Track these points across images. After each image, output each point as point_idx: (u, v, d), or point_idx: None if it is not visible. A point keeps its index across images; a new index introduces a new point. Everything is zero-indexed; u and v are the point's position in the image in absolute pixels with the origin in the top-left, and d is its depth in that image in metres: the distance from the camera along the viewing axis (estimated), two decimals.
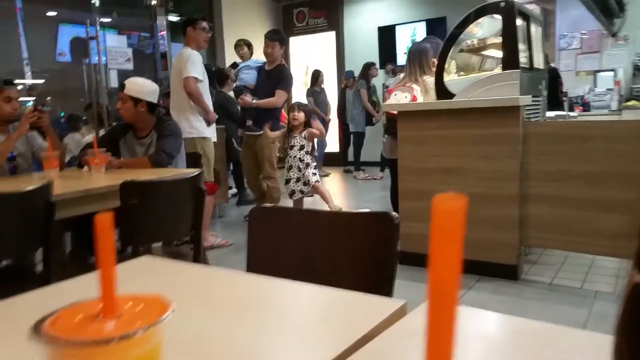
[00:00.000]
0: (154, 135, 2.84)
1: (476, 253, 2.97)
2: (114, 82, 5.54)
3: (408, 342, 0.68)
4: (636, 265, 0.48)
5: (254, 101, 4.38)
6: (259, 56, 5.07)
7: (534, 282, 2.94)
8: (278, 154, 4.48)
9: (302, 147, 4.20)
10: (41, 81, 6.05)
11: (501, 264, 2.95)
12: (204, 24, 4.16)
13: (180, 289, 0.89)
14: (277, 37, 4.49)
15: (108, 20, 6.14)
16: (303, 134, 4.19)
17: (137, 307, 0.43)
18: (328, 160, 7.87)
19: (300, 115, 4.16)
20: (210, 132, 3.94)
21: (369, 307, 0.79)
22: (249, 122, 4.44)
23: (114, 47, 5.95)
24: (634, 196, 2.54)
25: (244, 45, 5.27)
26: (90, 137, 4.65)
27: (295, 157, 4.21)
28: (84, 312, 0.42)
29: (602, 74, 6.86)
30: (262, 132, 4.43)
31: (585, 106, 6.33)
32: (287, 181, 4.27)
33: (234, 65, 5.32)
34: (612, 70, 6.78)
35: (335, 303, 0.83)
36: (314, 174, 4.25)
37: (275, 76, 4.45)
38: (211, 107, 3.94)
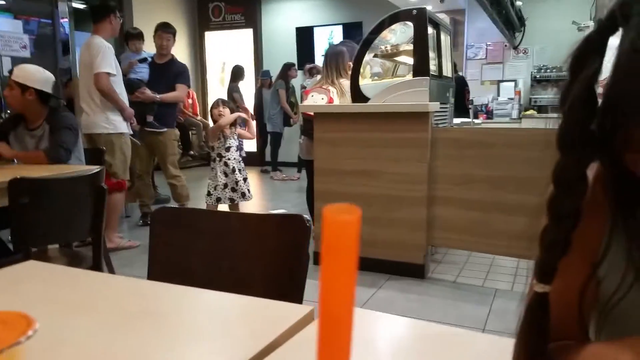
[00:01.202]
0: (46, 127, 2.63)
1: (386, 252, 3.06)
2: (8, 70, 5.07)
3: (315, 348, 0.66)
4: (536, 275, 0.50)
5: (158, 96, 4.18)
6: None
7: (439, 280, 3.07)
8: (203, 151, 4.31)
9: (238, 148, 3.92)
10: None
11: (409, 263, 3.05)
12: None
13: (67, 298, 0.81)
14: (172, 30, 4.35)
15: (1, 2, 5.61)
16: (235, 134, 3.91)
17: None
18: (245, 160, 7.73)
19: (227, 111, 3.87)
20: (126, 128, 3.71)
21: (276, 313, 0.76)
22: (150, 119, 4.19)
23: (7, 32, 5.45)
24: (532, 200, 2.72)
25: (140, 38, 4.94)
26: None
27: (234, 159, 3.83)
28: None
29: (504, 84, 7.37)
30: (165, 129, 4.26)
31: (489, 114, 6.76)
32: (215, 188, 3.75)
33: (144, 60, 4.90)
34: (513, 80, 7.31)
35: (240, 310, 0.80)
36: (245, 179, 3.87)
37: (171, 70, 4.29)
38: (127, 102, 3.70)
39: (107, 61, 3.50)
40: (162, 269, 1.18)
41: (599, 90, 0.45)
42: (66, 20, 6.14)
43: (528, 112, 6.73)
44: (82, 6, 6.87)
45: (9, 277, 0.88)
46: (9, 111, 4.39)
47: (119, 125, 3.62)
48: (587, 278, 0.52)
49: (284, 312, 0.76)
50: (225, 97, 7.43)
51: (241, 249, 1.20)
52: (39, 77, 2.63)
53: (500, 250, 2.97)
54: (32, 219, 1.91)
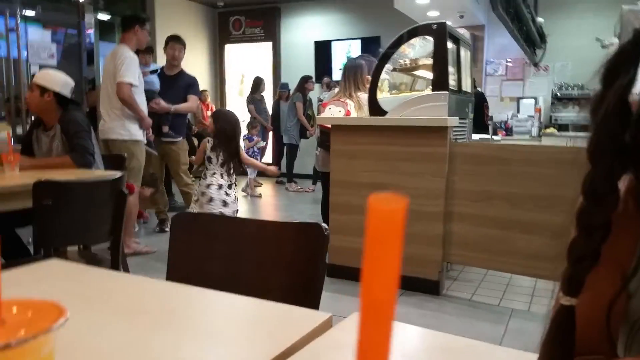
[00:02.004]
0: (58, 127, 2.69)
1: (401, 267, 3.03)
2: (31, 75, 5.20)
3: (333, 355, 0.66)
4: (563, 287, 0.49)
5: (172, 107, 4.24)
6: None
7: (454, 297, 3.03)
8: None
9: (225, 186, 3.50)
10: None
11: (424, 279, 3.01)
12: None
13: (89, 295, 0.82)
14: (183, 42, 4.44)
15: (32, 13, 5.76)
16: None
17: (25, 313, 0.38)
18: (261, 172, 7.78)
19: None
20: (142, 136, 3.78)
21: (294, 319, 0.76)
22: (165, 129, 4.27)
23: (36, 42, 5.60)
24: (551, 219, 2.68)
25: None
26: (4, 134, 4.32)
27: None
28: None
29: (524, 100, 7.31)
30: (180, 138, 4.34)
31: (508, 131, 6.70)
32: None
33: (154, 71, 4.98)
34: (533, 97, 7.25)
35: (259, 314, 0.80)
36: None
37: (181, 82, 4.37)
38: (146, 112, 3.77)
39: (131, 71, 3.57)
40: (180, 272, 1.19)
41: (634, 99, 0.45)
42: (91, 30, 6.29)
43: (548, 130, 6.65)
44: (107, 17, 7.03)
45: (33, 274, 0.90)
46: (32, 117, 4.49)
47: (135, 132, 3.68)
48: (616, 292, 0.51)
49: (302, 318, 0.76)
50: (246, 109, 7.52)
51: (258, 255, 1.20)
52: (58, 80, 2.70)
53: (518, 269, 2.92)
54: (55, 220, 1.94)
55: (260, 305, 0.80)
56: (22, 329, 0.35)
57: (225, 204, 3.33)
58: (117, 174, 2.23)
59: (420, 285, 3.01)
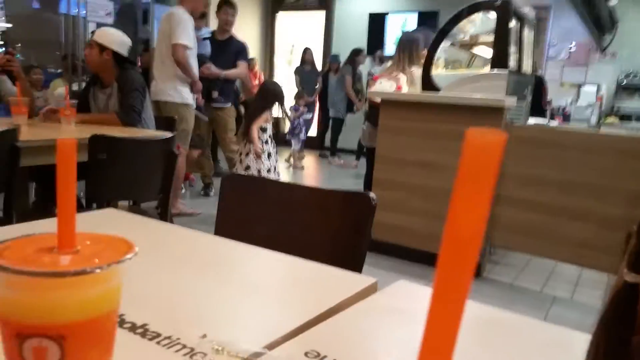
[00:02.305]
0: (115, 86, 2.75)
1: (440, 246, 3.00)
2: (90, 31, 5.34)
3: (377, 316, 0.66)
4: (629, 264, 0.47)
5: (223, 73, 4.26)
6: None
7: (495, 281, 2.98)
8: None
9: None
10: (8, 25, 5.75)
11: None
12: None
13: (143, 243, 0.84)
14: (236, 7, 4.39)
15: None
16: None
17: (98, 245, 0.39)
18: (305, 143, 7.80)
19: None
20: (192, 100, 3.84)
21: (339, 280, 0.77)
22: (215, 95, 4.29)
23: (94, 0, 5.73)
24: (603, 208, 2.58)
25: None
26: (62, 90, 4.49)
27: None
28: (38, 244, 0.38)
29: (585, 87, 6.97)
30: (229, 104, 4.37)
31: (566, 117, 6.44)
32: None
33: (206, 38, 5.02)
34: (596, 84, 6.90)
35: (305, 274, 0.81)
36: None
37: (232, 47, 4.35)
38: (197, 76, 3.82)
39: (186, 33, 3.60)
40: (227, 231, 1.21)
41: None
42: None
43: (609, 120, 6.34)
44: None
45: (92, 221, 0.94)
46: (88, 75, 4.63)
47: (186, 95, 3.72)
48: None
49: (347, 281, 0.76)
50: (293, 78, 7.50)
51: (304, 221, 1.21)
52: (117, 39, 2.76)
53: (564, 256, 2.84)
54: (108, 174, 2.02)
55: (307, 265, 0.81)
56: (96, 259, 0.36)
57: (259, 172, 3.51)
58: (167, 134, 2.28)
59: None
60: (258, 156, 3.61)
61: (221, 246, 0.89)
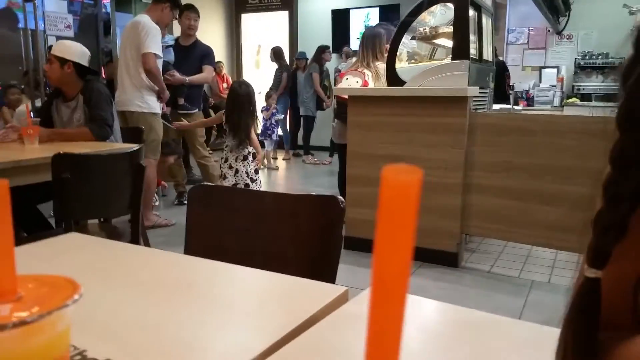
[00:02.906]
0: (80, 98, 2.69)
1: (418, 240, 2.92)
2: (48, 46, 5.21)
3: (349, 328, 0.65)
4: (588, 259, 0.47)
5: (187, 78, 4.21)
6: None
7: (473, 269, 3.03)
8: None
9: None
10: None
11: (442, 251, 3.01)
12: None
13: (107, 269, 0.82)
14: (198, 11, 4.36)
15: None
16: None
17: (40, 289, 0.38)
18: (277, 143, 7.78)
19: None
20: (159, 108, 3.78)
21: (310, 292, 0.76)
22: (181, 101, 4.24)
23: (53, 12, 5.59)
24: (572, 190, 2.64)
25: None
26: (23, 108, 4.37)
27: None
28: None
29: (546, 70, 7.12)
30: (196, 110, 4.33)
31: (530, 101, 6.56)
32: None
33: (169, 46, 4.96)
34: (556, 67, 7.05)
35: (276, 288, 0.80)
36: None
37: (196, 52, 4.32)
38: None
39: (157, 43, 3.56)
40: (198, 245, 1.20)
41: None
42: (108, 1, 6.25)
43: (571, 100, 6.50)
44: None
45: (53, 247, 0.91)
46: (48, 88, 4.52)
47: (153, 104, 3.67)
48: None
49: (318, 292, 0.76)
50: (262, 79, 7.47)
51: (275, 228, 1.20)
52: (76, 51, 2.71)
53: (538, 241, 2.90)
54: (74, 193, 1.97)
55: (277, 279, 0.80)
56: (37, 306, 0.35)
57: (224, 177, 3.38)
58: (134, 146, 2.24)
59: (439, 257, 3.01)
60: (260, 161, 3.54)
61: (189, 266, 0.87)
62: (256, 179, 3.43)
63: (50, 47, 2.75)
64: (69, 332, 0.38)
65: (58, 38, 5.34)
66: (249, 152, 3.36)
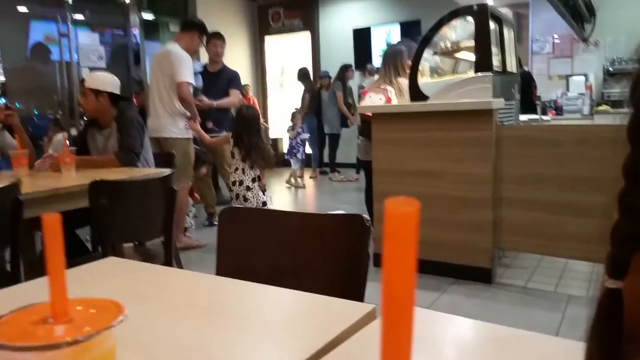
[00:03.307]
0: (114, 126, 2.80)
1: (451, 256, 2.99)
2: (80, 79, 5.42)
3: (377, 346, 0.67)
4: (608, 270, 0.48)
5: (215, 103, 4.33)
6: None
7: (508, 285, 2.97)
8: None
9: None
10: (3, 79, 5.86)
11: (475, 267, 2.97)
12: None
13: (144, 291, 0.86)
14: (224, 38, 4.49)
15: (80, 17, 6.00)
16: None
17: (89, 311, 0.41)
18: (304, 162, 7.85)
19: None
20: (191, 133, 3.91)
21: (338, 310, 0.78)
22: (210, 125, 4.36)
23: (86, 45, 5.84)
24: (605, 200, 2.58)
25: None
26: (60, 137, 4.54)
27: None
28: (33, 316, 0.40)
29: (574, 78, 7.00)
30: (224, 133, 4.44)
31: (558, 110, 6.45)
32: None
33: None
34: (583, 74, 6.93)
35: (304, 307, 0.82)
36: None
37: (224, 77, 4.44)
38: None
39: (189, 71, 3.71)
40: (229, 265, 1.23)
41: None
42: (137, 30, 6.48)
43: (601, 108, 6.35)
44: (151, 17, 7.24)
45: (93, 272, 0.96)
46: (85, 117, 4.69)
47: (186, 130, 3.80)
48: None
49: (346, 310, 0.77)
50: (287, 100, 7.58)
51: (303, 247, 1.23)
52: (108, 80, 2.82)
53: (573, 254, 2.83)
54: (110, 218, 2.04)
55: (306, 298, 0.82)
56: (87, 326, 0.39)
57: (245, 199, 3.46)
58: (166, 171, 2.31)
59: (472, 273, 2.97)
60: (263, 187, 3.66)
61: (221, 287, 0.91)
62: (266, 199, 3.56)
63: (82, 80, 2.86)
64: (115, 350, 0.41)
65: (91, 69, 5.57)
66: (256, 175, 3.48)
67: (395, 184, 3.16)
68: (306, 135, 6.97)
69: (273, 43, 9.11)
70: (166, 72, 3.69)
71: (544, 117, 5.21)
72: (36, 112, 5.89)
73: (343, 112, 7.24)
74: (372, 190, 3.31)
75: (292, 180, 6.89)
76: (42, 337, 0.38)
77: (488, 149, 2.88)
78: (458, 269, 2.96)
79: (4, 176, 2.58)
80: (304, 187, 6.87)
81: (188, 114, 3.78)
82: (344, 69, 7.22)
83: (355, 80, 7.67)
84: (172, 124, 3.73)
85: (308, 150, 7.53)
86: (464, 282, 2.96)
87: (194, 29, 3.84)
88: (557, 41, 7.15)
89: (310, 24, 8.73)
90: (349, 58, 8.14)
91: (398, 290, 0.21)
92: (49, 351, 0.37)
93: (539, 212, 2.82)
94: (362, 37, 8.34)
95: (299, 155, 6.78)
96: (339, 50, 8.46)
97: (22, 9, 5.88)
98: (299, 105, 7.43)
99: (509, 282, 3.00)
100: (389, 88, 3.50)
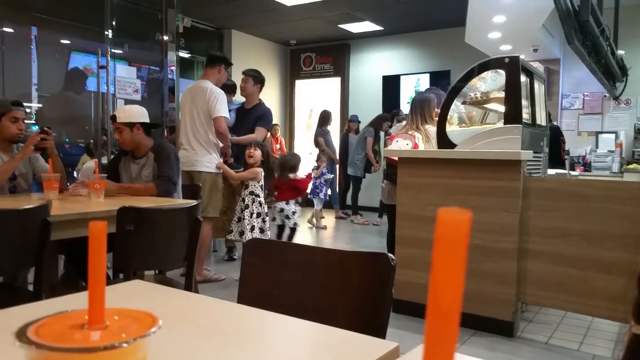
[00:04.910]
0: (150, 156, 2.87)
1: (472, 306, 2.92)
2: (110, 117, 5.62)
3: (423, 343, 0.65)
4: (634, 316, 0.47)
5: (234, 138, 4.41)
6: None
7: (530, 340, 2.87)
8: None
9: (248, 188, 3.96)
10: (39, 105, 6.11)
11: (497, 319, 2.89)
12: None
13: (167, 314, 0.87)
14: (251, 73, 4.60)
15: (119, 51, 6.27)
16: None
17: (124, 320, 0.42)
18: (326, 203, 7.87)
19: (257, 153, 3.96)
20: None
21: (362, 346, 0.77)
22: (231, 160, 4.44)
23: (123, 78, 6.06)
24: (633, 258, 2.51)
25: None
26: (92, 163, 4.67)
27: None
28: (70, 321, 0.41)
29: (603, 135, 6.95)
30: (242, 168, 4.51)
31: (587, 166, 6.37)
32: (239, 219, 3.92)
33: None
34: (614, 132, 6.87)
35: (327, 340, 0.81)
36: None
37: (255, 113, 4.54)
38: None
39: (224, 106, 3.85)
40: (251, 296, 1.23)
41: None
42: (173, 68, 6.72)
43: (631, 166, 6.25)
44: (187, 55, 7.52)
45: (120, 293, 0.97)
46: (116, 148, 4.83)
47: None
48: None
49: (369, 347, 0.76)
50: (312, 141, 7.71)
51: (325, 283, 1.22)
52: (138, 112, 2.91)
53: (598, 311, 2.73)
54: (135, 245, 2.07)
55: (329, 332, 0.81)
56: (123, 333, 0.39)
57: (262, 231, 3.85)
58: (193, 202, 2.35)
59: (493, 325, 2.88)
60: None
61: (243, 315, 0.91)
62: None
63: (113, 116, 2.95)
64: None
65: (127, 101, 5.76)
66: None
67: (417, 228, 3.14)
68: (330, 176, 7.01)
69: (303, 86, 9.33)
70: (201, 108, 3.82)
71: (572, 172, 5.15)
72: (67, 140, 6.08)
73: (369, 158, 7.29)
74: (395, 233, 3.28)
75: (314, 220, 6.89)
76: (79, 341, 0.39)
77: (515, 200, 2.85)
78: (479, 320, 2.88)
79: (35, 198, 2.65)
80: (324, 227, 6.86)
81: (221, 144, 3.91)
82: (382, 119, 7.30)
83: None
84: (207, 158, 3.84)
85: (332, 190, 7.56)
86: (484, 334, 2.87)
87: (219, 62, 3.99)
88: (587, 98, 7.14)
89: (340, 69, 8.94)
90: (378, 103, 8.26)
91: (445, 297, 0.21)
92: (84, 354, 0.37)
93: (563, 266, 2.76)
94: (391, 84, 8.48)
95: (321, 195, 6.80)
96: (367, 96, 8.61)
97: (65, 40, 6.19)
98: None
99: (531, 337, 2.91)
100: (417, 134, 3.53)
